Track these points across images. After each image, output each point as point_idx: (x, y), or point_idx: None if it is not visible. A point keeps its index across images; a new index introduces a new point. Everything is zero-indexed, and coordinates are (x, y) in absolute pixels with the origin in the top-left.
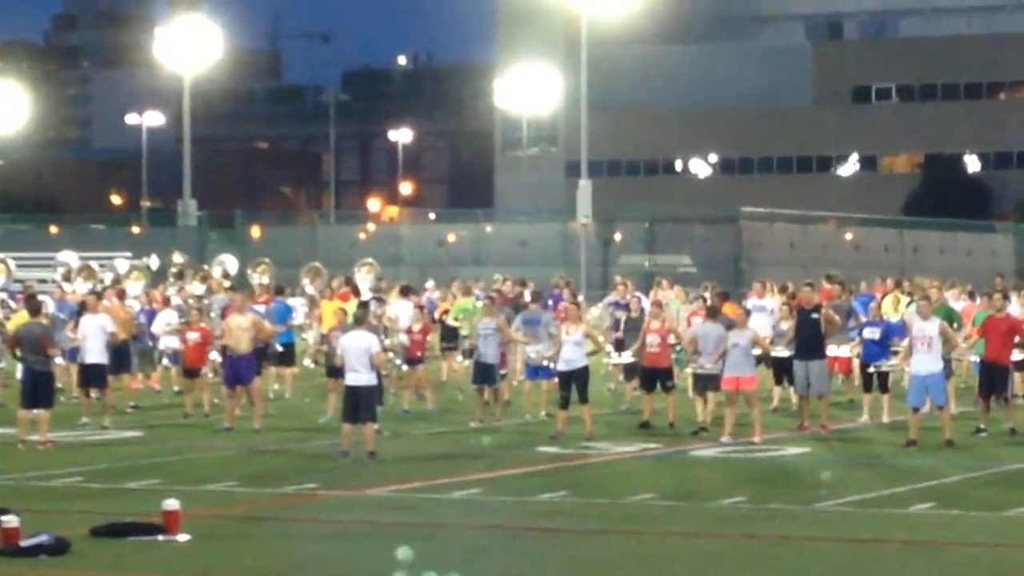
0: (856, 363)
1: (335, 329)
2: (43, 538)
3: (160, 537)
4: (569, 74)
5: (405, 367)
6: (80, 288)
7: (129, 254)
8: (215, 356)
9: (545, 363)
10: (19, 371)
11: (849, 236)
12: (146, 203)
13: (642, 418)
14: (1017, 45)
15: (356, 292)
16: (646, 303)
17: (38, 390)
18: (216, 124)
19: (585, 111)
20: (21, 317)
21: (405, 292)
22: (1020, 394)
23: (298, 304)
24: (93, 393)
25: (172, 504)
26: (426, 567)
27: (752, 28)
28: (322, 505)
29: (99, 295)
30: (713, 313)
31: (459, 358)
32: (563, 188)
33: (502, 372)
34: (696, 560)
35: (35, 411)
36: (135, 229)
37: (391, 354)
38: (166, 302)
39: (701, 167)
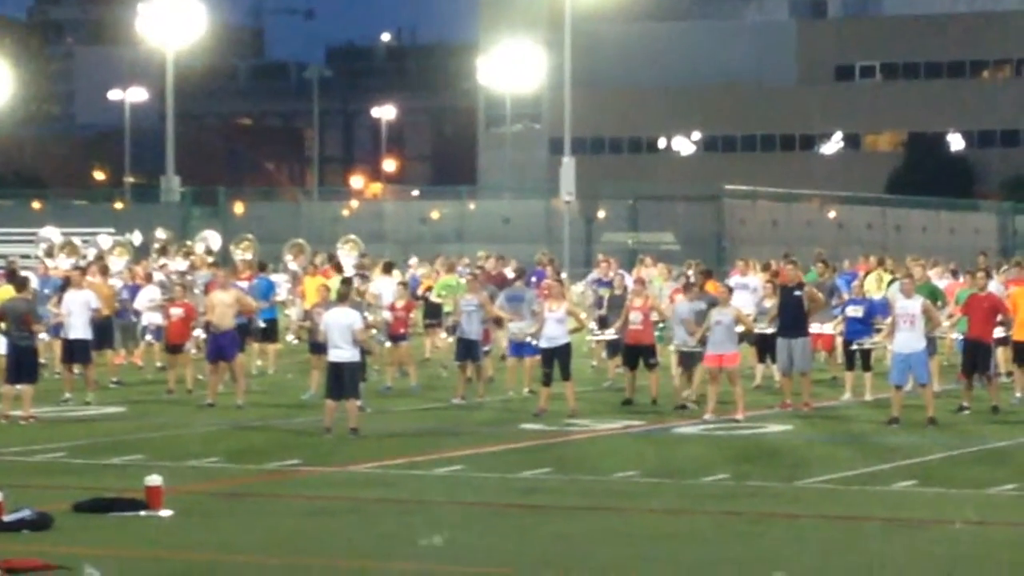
0: (839, 341)
1: (318, 305)
2: (25, 513)
3: (143, 513)
4: (553, 51)
5: (388, 344)
6: (63, 264)
7: (112, 230)
8: (198, 332)
9: (528, 340)
10: (1, 346)
11: (832, 214)
12: (129, 179)
13: (625, 395)
14: (1000, 24)
15: (339, 268)
16: (629, 280)
17: (22, 366)
18: (199, 100)
19: (569, 88)
20: (4, 292)
21: (388, 269)
22: (1003, 372)
23: (281, 280)
24: (76, 369)
25: (155, 480)
26: (408, 543)
27: (736, 5)
28: (304, 481)
29: (83, 271)
30: (686, 289)
31: (442, 335)
32: (546, 165)
33: (485, 349)
34: (678, 537)
35: (19, 386)
36: (118, 205)
37: (374, 331)
38: (149, 278)
39: (684, 145)
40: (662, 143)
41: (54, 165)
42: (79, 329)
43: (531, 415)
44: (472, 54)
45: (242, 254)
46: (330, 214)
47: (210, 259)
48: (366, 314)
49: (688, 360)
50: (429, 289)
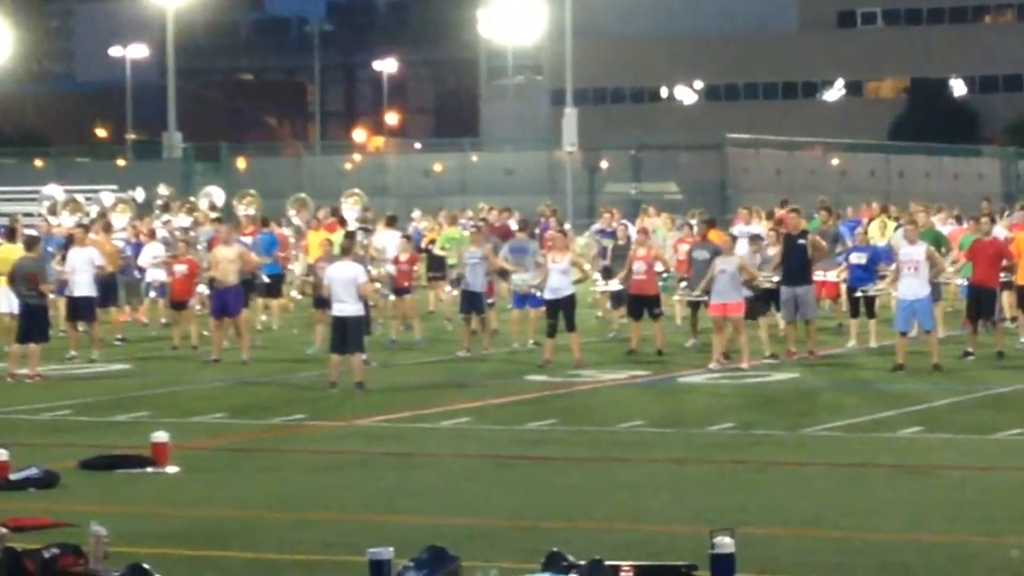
0: (843, 288)
1: (321, 260)
2: (32, 471)
3: (149, 469)
4: (553, 2)
5: (392, 297)
6: (66, 221)
7: (115, 187)
8: (202, 288)
9: (532, 291)
10: (7, 304)
11: (835, 161)
12: (131, 136)
13: (629, 346)
14: None
15: (342, 223)
16: (633, 230)
17: (33, 325)
18: (200, 56)
19: (570, 39)
20: (9, 252)
21: (391, 222)
22: (1008, 317)
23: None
24: (81, 326)
25: (161, 436)
26: (415, 496)
27: None
28: (310, 436)
29: (86, 228)
30: (752, 241)
31: (446, 288)
32: (549, 117)
33: (489, 301)
34: (684, 486)
35: (27, 345)
36: (120, 162)
37: (378, 284)
38: (152, 234)
39: (686, 94)
40: (664, 92)
41: (56, 123)
42: (83, 287)
43: (536, 366)
44: (472, 6)
45: (245, 209)
46: (333, 168)
47: (214, 215)
48: (370, 268)
49: (756, 309)
50: (433, 242)
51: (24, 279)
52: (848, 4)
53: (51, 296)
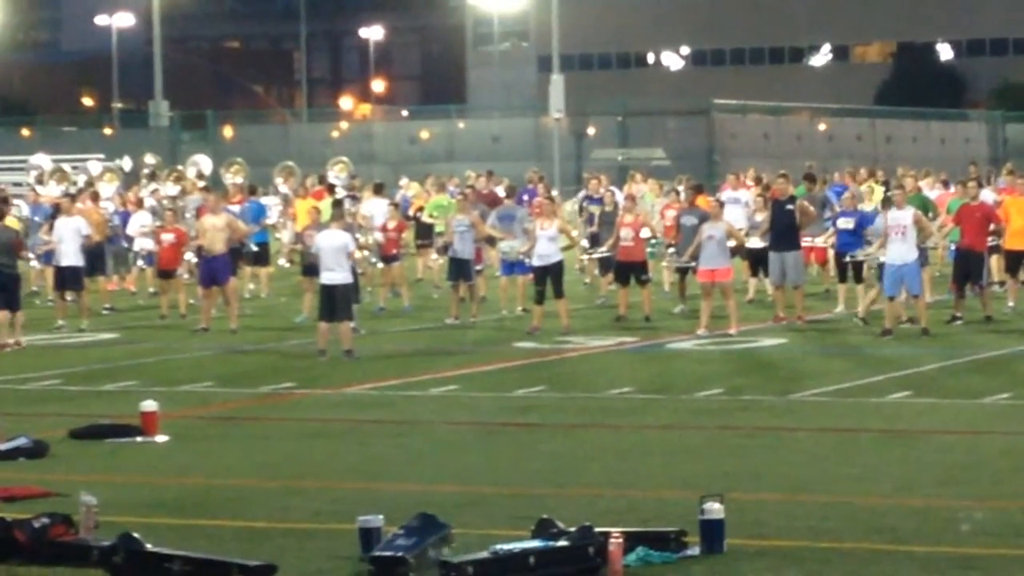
0: (831, 253)
1: (309, 228)
2: (21, 441)
3: (138, 438)
4: None
5: (380, 265)
6: (53, 191)
7: (102, 156)
8: (190, 257)
9: (520, 258)
10: None
11: (822, 126)
12: (118, 104)
13: (618, 312)
14: None
15: (330, 190)
16: (620, 197)
17: (7, 294)
18: (186, 24)
19: (556, 5)
20: None
21: (378, 190)
22: (996, 281)
23: (272, 203)
24: (69, 296)
25: (150, 405)
26: (405, 463)
27: None
28: (299, 404)
29: (73, 197)
30: (885, 204)
31: (433, 255)
32: (535, 83)
33: (477, 268)
34: (673, 452)
35: (5, 314)
36: (107, 131)
37: (366, 252)
38: (140, 203)
39: (673, 59)
40: (651, 58)
41: (43, 92)
42: (71, 256)
43: (524, 333)
44: None
45: (232, 178)
46: (319, 136)
47: (201, 183)
48: (358, 236)
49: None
50: (420, 209)
51: (6, 249)
52: None
53: (39, 265)
